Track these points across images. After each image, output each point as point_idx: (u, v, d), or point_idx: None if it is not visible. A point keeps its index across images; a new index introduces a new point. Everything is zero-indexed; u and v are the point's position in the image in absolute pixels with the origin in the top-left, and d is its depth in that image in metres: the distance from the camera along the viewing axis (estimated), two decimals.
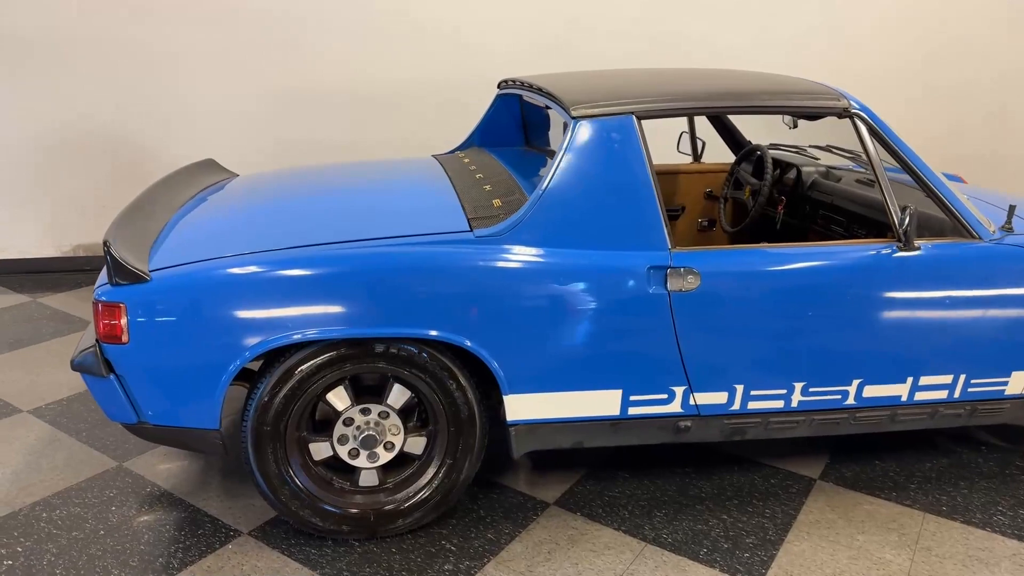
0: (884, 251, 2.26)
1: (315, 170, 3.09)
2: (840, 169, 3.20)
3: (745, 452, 2.77)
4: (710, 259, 2.19)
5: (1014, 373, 2.43)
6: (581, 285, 2.13)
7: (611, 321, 2.16)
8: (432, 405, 2.18)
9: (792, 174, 3.24)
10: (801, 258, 2.24)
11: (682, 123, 3.61)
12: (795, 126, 2.96)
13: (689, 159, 3.64)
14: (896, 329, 2.31)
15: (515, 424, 2.23)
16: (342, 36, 4.58)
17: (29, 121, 4.47)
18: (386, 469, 2.27)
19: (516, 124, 3.37)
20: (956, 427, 2.80)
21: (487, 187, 2.49)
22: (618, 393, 2.24)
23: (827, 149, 3.20)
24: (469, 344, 2.09)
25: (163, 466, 2.63)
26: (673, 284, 2.16)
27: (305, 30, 4.54)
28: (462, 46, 4.69)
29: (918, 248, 2.28)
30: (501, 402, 2.19)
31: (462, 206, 2.33)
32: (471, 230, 2.15)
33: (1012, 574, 2.16)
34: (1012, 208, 2.46)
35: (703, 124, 3.67)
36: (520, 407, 2.20)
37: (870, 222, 2.77)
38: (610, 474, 2.64)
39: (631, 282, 2.14)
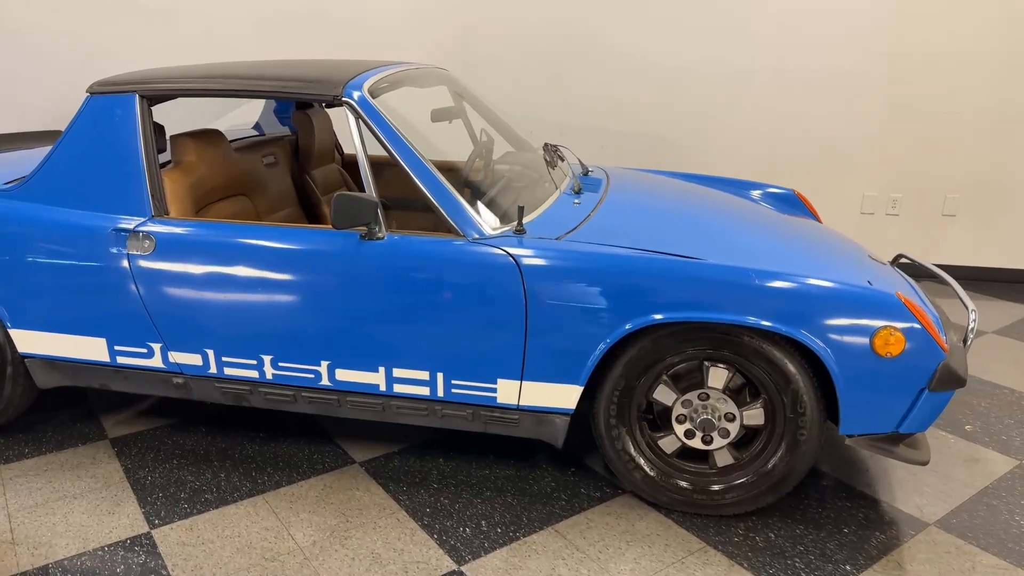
0: (341, 238, 2.28)
1: None
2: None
3: (330, 429, 2.85)
4: (169, 228, 2.37)
5: (500, 380, 2.29)
6: (56, 238, 2.43)
7: (81, 274, 2.43)
8: None
9: None
10: (253, 236, 2.33)
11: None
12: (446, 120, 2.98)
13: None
14: (356, 317, 2.29)
15: (28, 357, 2.59)
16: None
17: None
18: None
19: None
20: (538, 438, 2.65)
21: None
22: (103, 341, 2.50)
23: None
24: None
25: None
26: (132, 247, 2.38)
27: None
28: None
29: (382, 237, 2.26)
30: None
31: None
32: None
33: None
34: (521, 209, 2.30)
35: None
36: (26, 342, 2.56)
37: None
38: (192, 428, 2.87)
39: (96, 241, 2.40)
